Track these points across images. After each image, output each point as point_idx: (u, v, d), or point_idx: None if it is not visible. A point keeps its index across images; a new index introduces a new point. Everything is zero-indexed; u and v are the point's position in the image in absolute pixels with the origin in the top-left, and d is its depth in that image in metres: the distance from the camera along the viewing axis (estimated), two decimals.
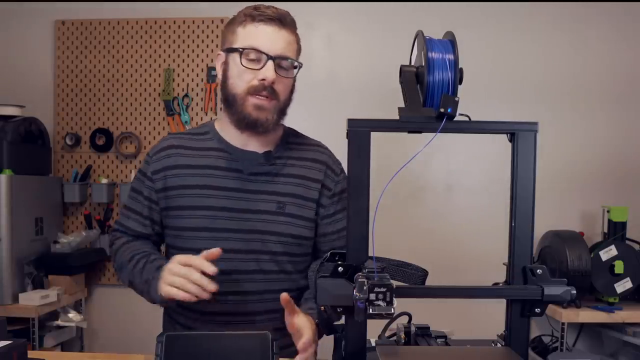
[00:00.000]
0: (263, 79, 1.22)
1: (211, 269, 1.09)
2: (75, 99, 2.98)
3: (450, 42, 0.93)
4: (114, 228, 1.40)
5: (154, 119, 2.96)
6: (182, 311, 1.33)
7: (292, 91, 1.31)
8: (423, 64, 0.92)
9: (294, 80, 1.31)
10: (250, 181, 1.29)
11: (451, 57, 0.91)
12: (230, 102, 1.27)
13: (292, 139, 1.38)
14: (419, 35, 0.96)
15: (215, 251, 1.12)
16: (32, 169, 2.73)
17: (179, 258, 1.13)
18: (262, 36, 1.22)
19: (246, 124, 1.26)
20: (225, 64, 1.28)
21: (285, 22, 1.25)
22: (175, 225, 1.31)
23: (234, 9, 1.31)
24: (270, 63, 1.22)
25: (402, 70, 0.96)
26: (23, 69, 3.00)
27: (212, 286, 1.08)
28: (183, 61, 2.94)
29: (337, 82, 2.88)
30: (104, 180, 2.91)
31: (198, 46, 2.93)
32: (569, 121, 2.83)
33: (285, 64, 1.25)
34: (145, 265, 1.24)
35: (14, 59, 3.00)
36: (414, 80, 0.95)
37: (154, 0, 2.94)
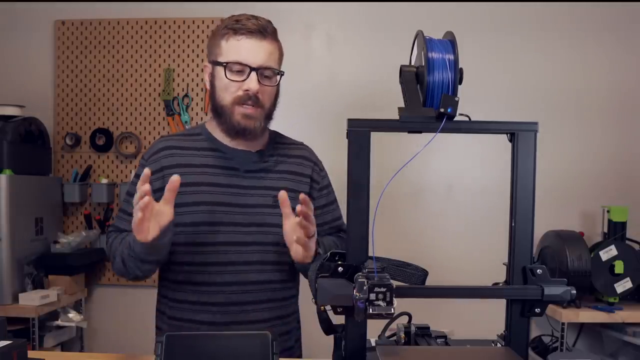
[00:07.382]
0: (247, 90, 1.29)
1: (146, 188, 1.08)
2: (75, 99, 2.98)
3: (450, 42, 0.93)
4: (109, 230, 1.41)
5: (154, 119, 2.96)
6: (173, 304, 1.35)
7: (276, 97, 1.38)
8: (423, 64, 0.92)
9: (278, 87, 1.37)
10: (245, 178, 1.36)
11: (451, 57, 0.91)
12: (219, 113, 1.34)
13: (279, 139, 1.48)
14: (419, 35, 0.96)
15: (176, 181, 1.14)
16: (32, 169, 2.72)
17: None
18: (244, 49, 1.29)
19: (235, 132, 1.34)
20: (212, 75, 1.35)
21: (266, 33, 1.31)
22: (175, 222, 1.31)
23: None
24: (253, 74, 1.28)
25: (402, 70, 0.97)
26: (23, 69, 2.99)
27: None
28: (183, 61, 2.94)
29: (337, 82, 2.87)
30: (104, 180, 2.91)
31: (198, 46, 2.93)
32: (569, 121, 2.82)
33: (268, 73, 1.32)
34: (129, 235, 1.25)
35: (14, 58, 3.00)
36: (414, 80, 0.95)
37: (154, 0, 2.94)
